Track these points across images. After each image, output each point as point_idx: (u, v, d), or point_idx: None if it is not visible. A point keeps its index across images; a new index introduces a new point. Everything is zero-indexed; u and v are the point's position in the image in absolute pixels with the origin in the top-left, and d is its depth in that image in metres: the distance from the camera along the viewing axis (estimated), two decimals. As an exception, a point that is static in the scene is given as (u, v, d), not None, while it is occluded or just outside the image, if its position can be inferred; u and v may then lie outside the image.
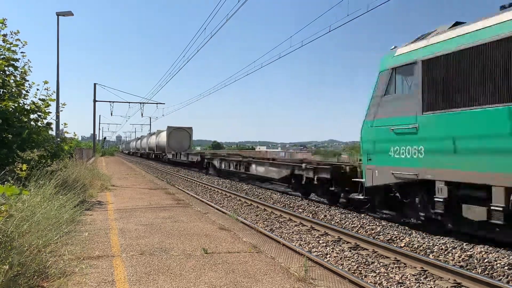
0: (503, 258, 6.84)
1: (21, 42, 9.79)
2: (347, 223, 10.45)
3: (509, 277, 6.19)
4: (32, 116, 10.17)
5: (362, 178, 10.70)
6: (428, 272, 6.43)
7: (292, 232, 9.60)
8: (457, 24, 8.57)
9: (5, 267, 3.76)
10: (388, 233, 9.05)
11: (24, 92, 10.06)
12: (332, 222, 10.59)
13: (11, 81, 9.72)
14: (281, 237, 8.88)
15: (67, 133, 16.35)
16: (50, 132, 11.87)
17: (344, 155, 55.64)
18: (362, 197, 10.74)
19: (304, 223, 10.37)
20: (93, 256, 5.76)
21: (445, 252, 7.48)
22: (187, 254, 6.03)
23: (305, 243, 8.49)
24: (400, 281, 6.19)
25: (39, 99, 10.26)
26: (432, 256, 7.41)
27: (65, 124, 15.65)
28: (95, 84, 40.76)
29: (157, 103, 46.51)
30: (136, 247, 6.34)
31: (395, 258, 7.18)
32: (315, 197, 14.89)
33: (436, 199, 8.34)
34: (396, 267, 6.83)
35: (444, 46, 8.27)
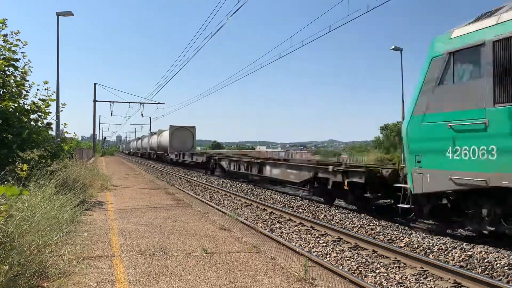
0: (503, 258, 6.84)
1: (22, 42, 9.79)
2: (347, 223, 10.45)
3: (509, 277, 6.19)
4: (32, 116, 10.17)
5: (407, 183, 9.20)
6: (428, 272, 6.43)
7: (292, 232, 9.60)
8: None
9: (5, 267, 3.76)
10: (388, 233, 9.05)
11: (24, 92, 10.06)
12: (332, 222, 10.59)
13: (11, 81, 9.72)
14: (281, 237, 8.88)
15: (67, 133, 16.37)
16: (50, 132, 11.86)
17: (344, 155, 55.70)
18: (407, 206, 9.18)
19: (304, 223, 10.37)
20: (93, 256, 5.76)
21: (445, 252, 7.48)
22: (187, 254, 6.03)
23: (305, 243, 8.49)
24: (400, 281, 6.19)
25: (39, 99, 10.26)
26: (432, 256, 7.41)
27: (65, 124, 15.66)
28: (95, 84, 40.74)
29: (157, 103, 46.36)
30: (136, 247, 6.34)
31: (395, 258, 7.18)
32: (340, 203, 13.59)
33: None
34: (396, 267, 6.84)
35: None
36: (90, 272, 4.98)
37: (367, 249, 7.87)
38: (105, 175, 19.75)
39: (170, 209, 10.41)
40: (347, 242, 8.41)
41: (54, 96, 11.06)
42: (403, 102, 26.70)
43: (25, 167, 5.60)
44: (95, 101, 41.14)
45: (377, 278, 6.36)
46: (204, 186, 20.28)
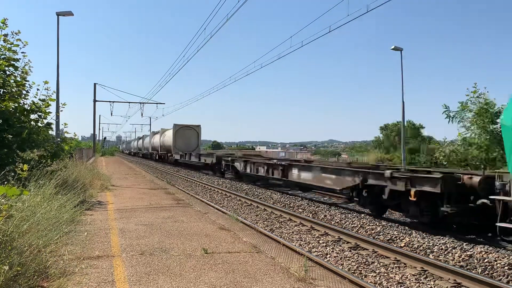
0: (503, 258, 6.85)
1: (22, 42, 9.78)
2: (347, 223, 10.45)
3: (509, 277, 6.19)
4: (32, 116, 10.17)
5: (508, 194, 7.44)
6: (428, 272, 6.43)
7: (292, 232, 9.60)
8: None
9: (5, 267, 3.76)
10: (388, 233, 9.05)
11: (24, 92, 10.06)
12: (332, 222, 10.59)
13: (12, 81, 9.72)
14: (281, 237, 8.88)
15: (67, 133, 16.35)
16: (50, 132, 11.86)
17: (344, 155, 55.77)
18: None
19: (304, 223, 10.37)
20: (93, 256, 5.76)
21: (445, 252, 7.49)
22: (187, 254, 6.03)
23: (305, 243, 8.49)
24: (400, 281, 6.19)
25: (39, 99, 10.26)
26: (432, 256, 7.41)
27: (65, 124, 15.65)
28: (95, 84, 40.73)
29: (157, 103, 46.17)
30: (136, 247, 6.34)
31: (395, 258, 7.18)
32: (393, 216, 11.54)
33: None
34: (396, 267, 6.83)
35: None
36: (90, 272, 4.98)
37: (367, 249, 7.87)
38: (105, 175, 19.76)
39: (170, 209, 10.41)
40: (347, 242, 8.41)
41: (54, 96, 11.06)
42: (403, 102, 26.71)
43: (25, 167, 5.60)
44: (95, 101, 41.13)
45: (377, 278, 6.36)
46: (204, 186, 20.28)
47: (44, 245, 5.02)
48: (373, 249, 7.78)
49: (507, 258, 6.79)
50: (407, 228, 9.52)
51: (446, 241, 8.05)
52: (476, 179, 8.44)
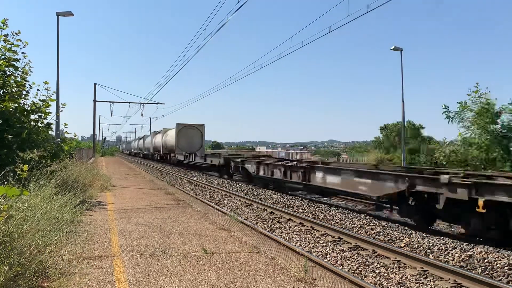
0: (503, 258, 6.85)
1: (22, 43, 9.78)
2: (347, 223, 10.44)
3: (509, 277, 6.20)
4: (32, 117, 10.17)
5: None
6: (428, 272, 6.43)
7: (292, 232, 9.60)
8: None
9: (5, 267, 3.76)
10: (388, 233, 9.05)
11: (24, 92, 10.07)
12: (332, 223, 10.59)
13: (12, 81, 9.72)
14: (281, 237, 8.88)
15: (67, 133, 16.31)
16: (50, 132, 11.86)
17: (344, 155, 55.82)
18: None
19: (304, 223, 10.37)
20: (93, 256, 5.76)
21: (445, 252, 7.49)
22: (187, 254, 6.03)
23: (305, 243, 8.49)
24: (400, 281, 6.19)
25: (40, 99, 10.26)
26: (432, 256, 7.41)
27: (65, 124, 15.63)
28: (95, 84, 40.76)
29: (157, 103, 46.17)
30: (136, 248, 6.34)
31: (395, 258, 7.18)
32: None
33: None
34: (396, 267, 6.84)
35: None
36: (90, 272, 4.98)
37: (367, 249, 7.87)
38: (105, 175, 19.76)
39: (170, 209, 10.41)
40: (347, 242, 8.41)
41: (54, 96, 11.05)
42: (403, 102, 26.71)
43: (25, 167, 5.60)
44: (95, 101, 41.15)
45: (377, 278, 6.36)
46: (204, 186, 20.28)
47: (44, 245, 5.02)
48: (373, 249, 7.78)
49: (507, 258, 6.79)
50: (407, 228, 9.52)
51: (446, 241, 8.05)
52: None
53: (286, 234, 9.39)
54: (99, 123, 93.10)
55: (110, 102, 44.32)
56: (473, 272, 6.42)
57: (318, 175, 13.95)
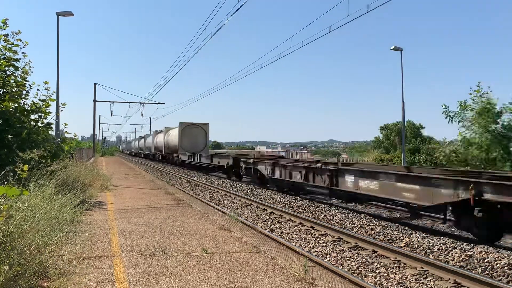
0: (503, 258, 6.85)
1: (22, 43, 9.78)
2: (347, 223, 10.44)
3: (509, 277, 6.19)
4: (32, 117, 10.18)
5: None
6: (428, 272, 6.43)
7: (292, 232, 9.60)
8: None
9: (5, 267, 3.76)
10: (388, 233, 9.05)
11: (24, 92, 10.07)
12: (332, 222, 10.59)
13: (12, 81, 9.72)
14: (281, 237, 8.88)
15: (67, 133, 16.33)
16: (50, 132, 11.87)
17: (344, 155, 55.85)
18: None
19: (304, 223, 10.37)
20: (93, 256, 5.77)
21: (445, 252, 7.48)
22: (187, 254, 6.03)
23: (305, 243, 8.49)
24: (400, 281, 6.19)
25: (40, 99, 10.26)
26: (432, 256, 7.41)
27: (65, 124, 15.65)
28: (95, 84, 40.79)
29: (157, 103, 46.14)
30: (136, 247, 6.34)
31: (395, 258, 7.17)
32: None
33: None
34: (396, 267, 6.83)
35: None
36: (90, 272, 4.98)
37: (367, 249, 7.87)
38: (105, 175, 19.77)
39: (170, 209, 10.41)
40: (347, 242, 8.41)
41: (54, 96, 11.07)
42: (403, 102, 26.71)
43: (25, 167, 5.60)
44: (95, 101, 41.17)
45: (377, 278, 6.35)
46: (204, 186, 20.28)
47: (44, 245, 5.02)
48: (373, 249, 7.78)
49: (507, 258, 6.79)
50: (407, 228, 9.52)
51: (446, 241, 8.05)
52: None
53: (286, 234, 9.39)
54: (99, 123, 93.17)
55: (110, 102, 44.35)
56: (473, 272, 6.41)
57: (349, 178, 12.01)
